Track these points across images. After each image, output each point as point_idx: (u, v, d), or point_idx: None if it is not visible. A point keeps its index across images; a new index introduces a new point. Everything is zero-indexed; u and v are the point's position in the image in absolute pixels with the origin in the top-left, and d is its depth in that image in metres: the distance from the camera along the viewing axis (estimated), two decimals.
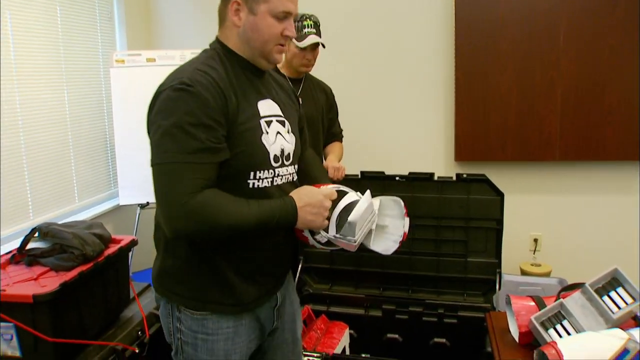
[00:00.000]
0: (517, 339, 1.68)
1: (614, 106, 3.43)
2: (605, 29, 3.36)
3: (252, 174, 1.47)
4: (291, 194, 1.50)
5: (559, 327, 1.59)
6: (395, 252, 1.59)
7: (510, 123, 3.56)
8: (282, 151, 1.54)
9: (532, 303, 1.71)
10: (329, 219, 1.49)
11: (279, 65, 2.75)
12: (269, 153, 1.49)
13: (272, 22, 1.46)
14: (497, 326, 1.83)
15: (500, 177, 3.13)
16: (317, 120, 2.80)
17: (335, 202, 1.51)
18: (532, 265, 3.63)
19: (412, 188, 2.98)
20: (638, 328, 1.48)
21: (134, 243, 2.25)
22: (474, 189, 2.92)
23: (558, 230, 3.72)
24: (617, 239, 3.63)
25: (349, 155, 3.10)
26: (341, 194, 1.54)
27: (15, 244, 2.16)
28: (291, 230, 1.55)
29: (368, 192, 1.56)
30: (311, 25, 2.64)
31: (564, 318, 1.60)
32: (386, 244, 1.60)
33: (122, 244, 2.17)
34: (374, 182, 3.01)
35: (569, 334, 1.56)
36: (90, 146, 3.44)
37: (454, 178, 2.94)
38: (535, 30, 3.44)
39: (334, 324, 2.90)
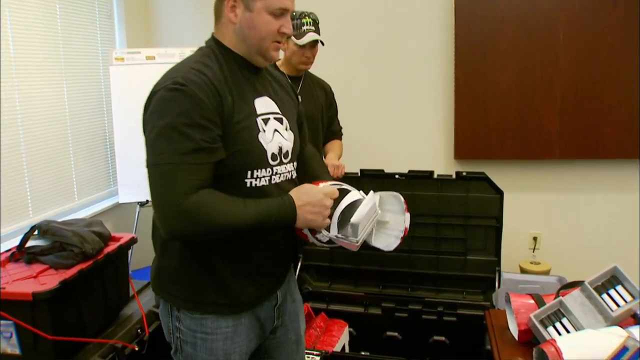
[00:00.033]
0: (516, 337, 1.68)
1: (614, 104, 3.43)
2: (604, 27, 3.36)
3: (249, 173, 1.45)
4: (290, 192, 1.47)
5: (558, 325, 1.59)
6: (396, 249, 1.58)
7: (509, 121, 3.56)
8: (280, 149, 1.52)
9: (532, 301, 1.71)
10: (330, 217, 1.47)
11: (278, 63, 2.76)
12: (266, 151, 1.47)
13: (268, 19, 1.44)
14: (497, 324, 1.83)
15: (499, 175, 3.13)
16: (317, 118, 2.79)
17: (336, 201, 1.48)
18: (531, 263, 3.63)
19: (411, 186, 2.98)
20: (637, 326, 1.48)
21: (133, 241, 2.25)
22: (473, 187, 2.92)
23: (557, 229, 3.72)
24: (617, 237, 3.63)
25: (349, 153, 3.10)
26: (343, 193, 1.52)
27: (15, 241, 2.16)
28: (291, 229, 1.52)
29: (372, 193, 1.54)
30: (310, 22, 2.64)
31: (563, 316, 1.61)
32: (387, 240, 1.59)
33: (122, 242, 2.17)
34: (373, 180, 3.01)
35: (568, 331, 1.56)
36: (90, 144, 3.44)
37: (454, 176, 2.94)
38: (535, 28, 3.44)
39: (333, 321, 2.90)
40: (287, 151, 1.56)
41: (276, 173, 1.52)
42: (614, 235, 3.64)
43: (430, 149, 3.79)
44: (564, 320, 1.59)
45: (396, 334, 2.93)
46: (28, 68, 2.88)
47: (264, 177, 1.48)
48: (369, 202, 1.49)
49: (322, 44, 2.69)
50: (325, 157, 2.83)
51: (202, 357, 1.53)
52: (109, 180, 3.66)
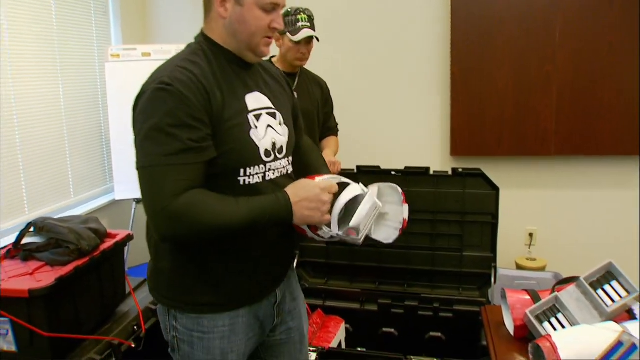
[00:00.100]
0: (512, 333, 1.69)
1: (610, 102, 3.44)
2: (601, 25, 3.37)
3: (242, 170, 1.42)
4: (286, 188, 1.43)
5: (553, 320, 1.60)
6: (393, 244, 1.56)
7: (506, 118, 3.57)
8: (274, 145, 1.50)
9: (527, 297, 1.72)
10: (330, 212, 1.43)
11: (273, 60, 2.76)
12: (258, 148, 1.44)
13: (259, 14, 1.41)
14: (493, 320, 1.83)
15: (495, 171, 3.14)
16: (313, 115, 2.79)
17: (336, 196, 1.44)
18: (527, 259, 3.64)
19: (407, 182, 2.98)
20: (632, 321, 1.49)
21: (129, 238, 2.25)
22: (469, 183, 2.92)
23: (553, 225, 3.73)
24: (613, 234, 3.65)
25: (345, 150, 3.10)
26: (342, 187, 1.47)
27: (11, 239, 2.16)
28: (289, 226, 1.49)
29: (371, 187, 1.51)
30: (305, 19, 2.63)
31: (559, 311, 1.61)
32: (387, 232, 1.56)
33: (118, 238, 2.17)
34: (370, 177, 3.01)
35: (563, 327, 1.57)
36: (86, 141, 3.43)
37: (450, 172, 2.95)
38: (532, 26, 3.44)
39: (329, 318, 2.91)
40: (282, 146, 1.54)
41: (270, 169, 1.49)
42: (609, 231, 3.65)
43: (427, 146, 3.79)
44: (560, 316, 1.60)
45: (392, 330, 2.94)
46: (23, 65, 2.87)
47: (257, 174, 1.45)
48: (369, 201, 1.45)
49: (318, 40, 2.69)
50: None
51: (199, 356, 1.51)
52: (105, 177, 3.66)
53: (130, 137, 1.36)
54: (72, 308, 1.92)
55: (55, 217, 2.14)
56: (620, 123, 3.44)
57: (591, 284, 1.60)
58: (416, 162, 3.06)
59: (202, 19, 1.51)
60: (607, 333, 1.36)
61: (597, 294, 1.58)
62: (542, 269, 3.53)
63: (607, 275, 1.62)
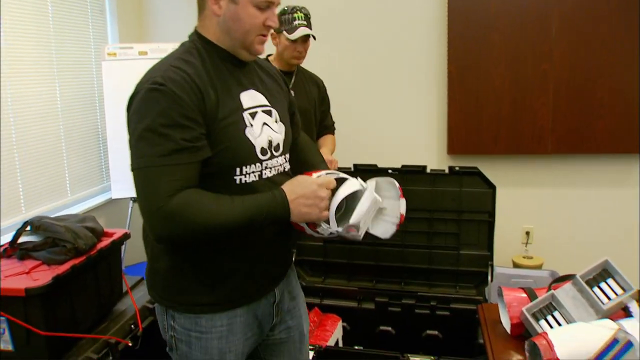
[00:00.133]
0: (508, 330, 1.69)
1: (606, 100, 3.45)
2: (597, 22, 3.38)
3: (238, 169, 1.41)
4: (283, 186, 1.41)
5: (550, 318, 1.60)
6: (389, 241, 1.56)
7: (502, 116, 3.57)
8: (270, 142, 1.48)
9: (524, 295, 1.72)
10: (329, 208, 1.40)
11: (270, 58, 2.76)
12: (254, 146, 1.43)
13: (254, 12, 1.39)
14: (489, 318, 1.84)
15: (492, 170, 3.14)
16: (310, 113, 2.79)
17: (334, 192, 1.42)
18: (524, 257, 3.65)
19: (404, 181, 2.98)
20: (628, 318, 1.49)
21: (126, 236, 2.25)
22: (466, 181, 2.92)
23: (550, 223, 3.74)
24: (609, 232, 3.66)
25: (342, 148, 3.10)
26: (340, 182, 1.44)
27: (7, 237, 2.16)
28: (287, 224, 1.47)
29: (370, 183, 1.48)
30: (302, 17, 2.63)
31: (555, 309, 1.62)
32: (385, 227, 1.54)
33: (115, 237, 2.17)
34: (366, 175, 2.96)
35: (559, 324, 1.57)
36: (83, 140, 3.43)
37: (447, 171, 2.95)
38: (528, 24, 3.45)
39: (327, 316, 2.91)
40: (278, 144, 1.52)
41: (267, 167, 1.48)
42: (606, 229, 3.66)
43: (424, 144, 3.79)
44: (556, 314, 1.60)
45: (389, 328, 2.94)
46: (19, 64, 2.86)
47: (253, 172, 1.44)
48: (369, 196, 1.43)
49: (314, 38, 2.69)
50: None
51: (196, 355, 1.50)
52: (101, 175, 3.65)
53: (127, 136, 1.36)
54: (69, 307, 1.91)
55: (52, 216, 2.14)
56: (616, 121, 3.45)
57: (587, 282, 1.61)
58: (413, 161, 3.06)
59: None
60: (603, 330, 1.36)
61: (593, 291, 1.58)
62: (539, 267, 3.54)
63: (603, 273, 1.62)
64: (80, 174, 3.40)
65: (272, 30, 2.65)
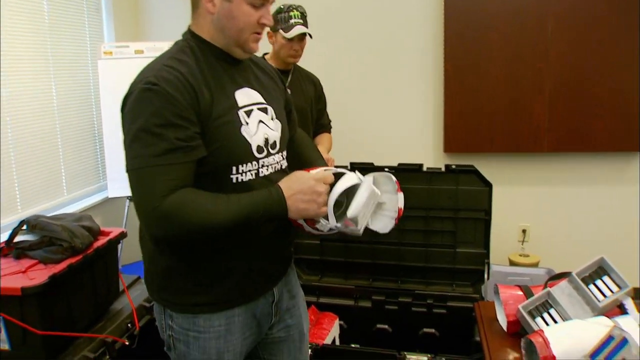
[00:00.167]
0: (505, 328, 1.70)
1: (602, 98, 3.46)
2: (594, 20, 3.38)
3: (234, 168, 1.40)
4: (280, 182, 1.40)
5: (546, 315, 1.61)
6: (387, 239, 1.55)
7: (499, 114, 3.58)
8: (267, 140, 1.48)
9: (520, 292, 1.72)
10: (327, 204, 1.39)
11: (266, 57, 2.76)
12: (250, 145, 1.42)
13: (248, 10, 1.39)
14: (486, 316, 1.84)
15: (489, 168, 3.15)
16: (306, 112, 2.79)
17: (332, 187, 1.40)
18: (520, 255, 3.65)
19: (401, 179, 2.91)
20: (623, 316, 1.50)
21: (123, 235, 2.24)
22: (462, 179, 2.92)
23: (546, 221, 3.75)
24: (605, 230, 3.67)
25: (338, 147, 3.10)
26: (338, 177, 1.42)
27: (3, 237, 2.15)
28: (286, 222, 1.47)
29: (368, 178, 1.46)
30: (298, 15, 2.63)
31: (551, 307, 1.62)
32: (383, 222, 1.52)
33: (111, 236, 2.16)
34: (363, 173, 3.00)
35: (556, 322, 1.58)
36: (79, 139, 3.42)
37: (443, 169, 2.95)
38: (524, 22, 3.45)
39: (323, 314, 2.91)
40: (275, 141, 1.52)
41: (263, 165, 1.47)
42: (602, 227, 3.67)
43: (420, 142, 3.80)
44: (552, 311, 1.61)
45: (386, 326, 2.95)
46: (15, 63, 2.85)
47: (249, 171, 1.43)
48: (366, 189, 1.41)
49: (311, 36, 2.69)
50: None
51: (194, 355, 1.50)
52: (98, 174, 3.65)
53: None
54: (66, 306, 1.91)
55: (49, 215, 2.13)
56: (612, 120, 3.46)
57: (583, 279, 1.61)
58: (410, 159, 3.06)
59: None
60: (598, 328, 1.37)
61: (589, 289, 1.59)
62: (535, 265, 3.55)
63: (599, 271, 1.63)
64: (76, 172, 3.40)
65: (268, 29, 2.65)
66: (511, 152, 3.66)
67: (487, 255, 2.93)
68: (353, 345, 2.89)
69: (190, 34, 1.47)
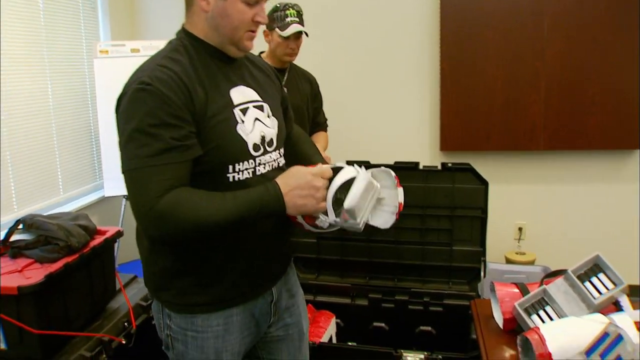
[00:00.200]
0: (501, 325, 1.70)
1: (598, 96, 3.47)
2: (590, 19, 3.39)
3: (230, 167, 1.39)
4: (277, 178, 1.38)
5: (542, 313, 1.61)
6: (385, 234, 1.54)
7: (495, 113, 3.59)
8: (263, 138, 1.46)
9: (516, 290, 1.73)
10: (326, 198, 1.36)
11: (262, 55, 2.76)
12: (246, 143, 1.41)
13: (242, 8, 1.37)
14: (482, 313, 1.84)
15: (485, 166, 3.16)
16: (302, 110, 2.80)
17: (330, 181, 1.38)
18: (516, 253, 3.66)
19: (397, 177, 2.98)
20: (618, 313, 1.50)
21: (119, 234, 2.24)
22: (458, 178, 2.93)
23: (542, 219, 3.76)
24: (601, 227, 3.68)
25: (335, 145, 3.10)
26: (336, 171, 1.40)
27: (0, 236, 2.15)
28: (284, 220, 1.46)
29: (364, 170, 1.42)
30: (294, 14, 2.63)
31: (547, 304, 1.62)
32: (384, 218, 1.50)
33: (108, 235, 2.16)
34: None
35: (551, 319, 1.58)
36: (75, 138, 3.42)
37: (439, 167, 2.96)
38: (520, 21, 3.46)
39: (320, 313, 2.91)
40: (272, 139, 1.50)
41: (260, 163, 1.45)
42: (598, 225, 3.68)
43: (416, 141, 3.80)
44: (548, 308, 1.61)
45: (383, 324, 2.95)
46: (10, 61, 2.85)
47: (246, 169, 1.42)
48: (362, 179, 1.37)
49: (307, 35, 2.69)
50: None
51: (193, 355, 1.49)
52: (94, 173, 3.64)
53: None
54: (62, 305, 1.91)
55: (45, 214, 2.13)
56: (608, 118, 3.47)
57: (579, 277, 1.62)
58: (406, 157, 3.06)
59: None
60: (594, 325, 1.37)
61: (584, 286, 1.59)
62: (532, 263, 3.56)
63: (595, 268, 1.63)
64: (72, 172, 3.40)
65: (264, 28, 2.65)
66: (507, 150, 3.66)
67: (484, 253, 2.93)
68: (350, 344, 2.89)
69: (184, 33, 1.46)
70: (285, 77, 2.76)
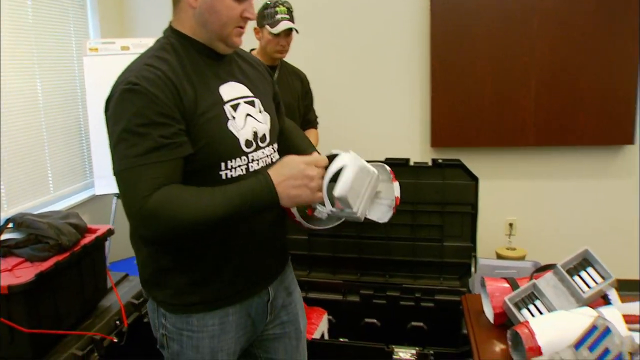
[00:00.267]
0: (491, 320, 1.71)
1: (587, 92, 3.49)
2: (579, 15, 3.41)
3: (222, 164, 1.37)
4: (269, 169, 1.33)
5: (531, 307, 1.62)
6: (376, 229, 1.53)
7: (485, 109, 3.60)
8: (255, 134, 1.44)
9: (506, 285, 1.73)
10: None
11: (253, 53, 2.75)
12: (238, 139, 1.39)
13: (230, 3, 1.35)
14: (472, 308, 1.85)
15: (475, 162, 3.17)
16: (293, 107, 2.80)
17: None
18: (507, 249, 3.68)
19: (392, 172, 2.99)
20: (607, 306, 1.52)
21: (110, 232, 2.23)
22: (449, 174, 2.94)
23: (533, 215, 3.78)
24: (591, 223, 3.70)
25: (325, 142, 3.09)
26: (331, 158, 1.35)
27: None
28: (281, 216, 1.43)
29: (352, 154, 1.38)
30: (284, 11, 2.63)
31: (537, 298, 1.63)
32: (381, 210, 1.49)
33: (99, 233, 2.16)
34: None
35: (541, 313, 1.59)
36: (65, 136, 3.40)
37: (430, 163, 2.96)
38: (510, 17, 3.47)
39: (312, 309, 2.92)
40: (264, 134, 1.48)
41: (253, 160, 1.44)
42: (588, 220, 3.71)
43: (407, 137, 3.81)
44: (538, 303, 1.62)
45: (375, 320, 2.96)
46: None
47: (239, 166, 1.40)
48: (352, 167, 1.32)
49: (297, 32, 2.69)
50: None
51: (188, 354, 1.48)
52: (84, 172, 3.63)
53: None
54: (53, 304, 1.91)
55: (35, 213, 2.12)
56: (598, 113, 3.49)
57: (568, 271, 1.63)
58: (396, 154, 3.07)
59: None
60: (583, 318, 1.38)
61: (573, 280, 1.60)
62: (522, 258, 3.58)
63: (583, 262, 1.64)
64: (63, 170, 3.38)
65: (254, 25, 2.65)
66: (497, 146, 3.68)
67: (474, 249, 2.95)
68: (342, 340, 2.90)
69: (171, 31, 1.44)
70: (275, 74, 2.76)
